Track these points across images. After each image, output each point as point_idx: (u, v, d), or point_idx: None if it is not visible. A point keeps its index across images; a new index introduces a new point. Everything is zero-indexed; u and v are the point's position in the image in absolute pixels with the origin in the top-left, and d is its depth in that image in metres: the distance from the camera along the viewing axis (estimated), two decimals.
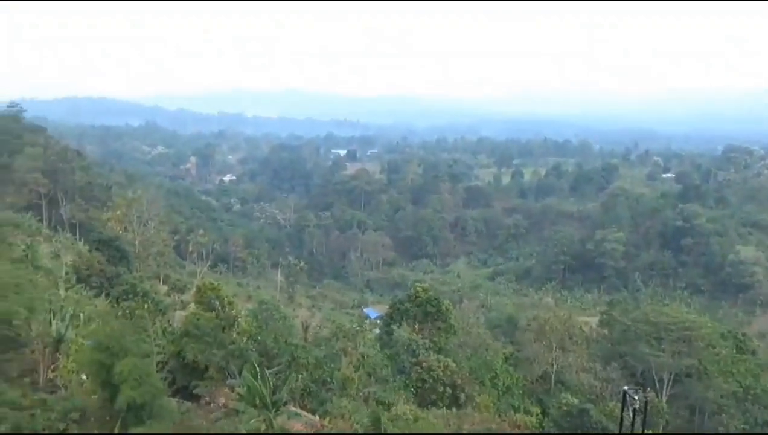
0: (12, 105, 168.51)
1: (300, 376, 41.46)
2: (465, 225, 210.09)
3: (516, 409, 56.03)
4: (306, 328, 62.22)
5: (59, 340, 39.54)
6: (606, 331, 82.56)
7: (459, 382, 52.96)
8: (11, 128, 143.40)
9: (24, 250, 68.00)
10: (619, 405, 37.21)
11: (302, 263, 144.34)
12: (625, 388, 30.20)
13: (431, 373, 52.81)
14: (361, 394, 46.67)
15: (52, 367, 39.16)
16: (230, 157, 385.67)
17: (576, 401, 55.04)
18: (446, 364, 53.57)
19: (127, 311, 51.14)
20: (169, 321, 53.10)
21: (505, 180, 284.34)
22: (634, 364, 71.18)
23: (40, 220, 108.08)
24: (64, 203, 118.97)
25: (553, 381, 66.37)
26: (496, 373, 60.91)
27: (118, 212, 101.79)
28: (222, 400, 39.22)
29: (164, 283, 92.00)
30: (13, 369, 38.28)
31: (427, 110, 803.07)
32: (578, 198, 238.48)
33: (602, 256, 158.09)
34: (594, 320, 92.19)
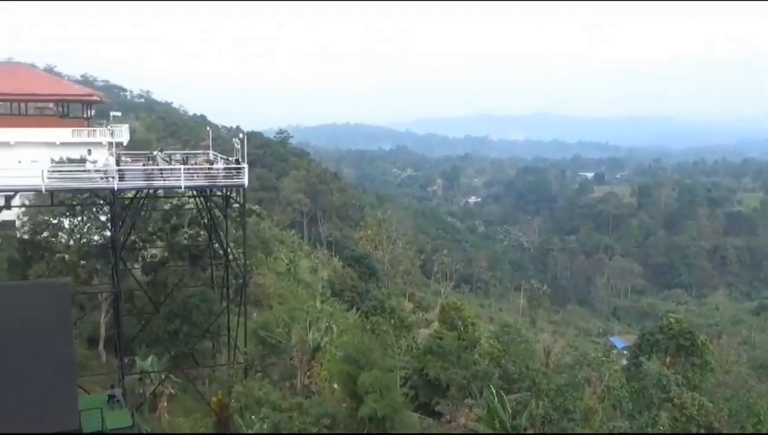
0: (281, 132, 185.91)
1: (540, 402, 40.64)
2: (725, 253, 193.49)
3: None
4: (548, 354, 60.95)
5: (316, 349, 42.42)
6: None
7: (716, 425, 48.51)
8: (280, 152, 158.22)
9: (287, 265, 74.29)
10: None
11: (545, 287, 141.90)
12: None
13: (684, 411, 48.95)
14: (605, 427, 44.61)
15: (308, 373, 42.12)
16: (475, 179, 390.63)
17: None
18: (702, 403, 49.39)
19: (375, 326, 53.67)
20: (413, 338, 54.87)
21: None
22: None
23: (302, 237, 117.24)
24: (323, 222, 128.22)
25: None
26: (759, 418, 54.90)
27: (369, 231, 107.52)
28: (462, 420, 39.60)
29: (410, 300, 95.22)
30: (274, 373, 41.80)
31: (681, 130, 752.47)
32: None
33: None
34: None
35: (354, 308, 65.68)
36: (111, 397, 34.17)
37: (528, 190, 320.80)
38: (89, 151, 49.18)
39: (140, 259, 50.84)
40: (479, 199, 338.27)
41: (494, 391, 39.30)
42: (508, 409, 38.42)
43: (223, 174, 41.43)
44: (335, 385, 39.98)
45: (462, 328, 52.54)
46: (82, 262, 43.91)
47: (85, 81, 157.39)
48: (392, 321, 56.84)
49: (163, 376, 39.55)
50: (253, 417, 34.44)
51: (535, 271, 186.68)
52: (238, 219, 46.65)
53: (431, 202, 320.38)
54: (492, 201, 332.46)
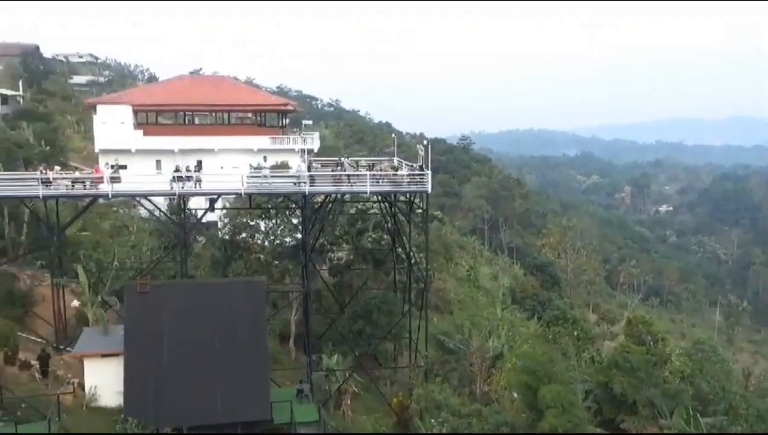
0: (463, 138, 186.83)
1: (739, 428, 37.62)
2: None
3: None
4: (747, 376, 56.45)
5: (496, 357, 42.03)
6: None
7: None
8: (462, 159, 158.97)
9: (468, 271, 74.31)
10: None
11: (745, 303, 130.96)
12: None
13: None
14: None
15: (487, 380, 41.82)
16: (667, 187, 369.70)
17: None
18: None
19: (556, 336, 52.25)
20: (597, 350, 52.82)
21: None
22: None
23: (483, 243, 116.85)
24: (504, 228, 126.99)
25: None
26: None
27: (552, 239, 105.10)
28: None
29: (594, 311, 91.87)
30: (454, 378, 41.89)
31: None
32: None
33: None
34: None
35: (534, 317, 64.44)
36: (300, 391, 35.89)
37: (726, 198, 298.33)
38: (264, 158, 52.35)
39: (328, 261, 53.09)
40: (671, 208, 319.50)
41: (687, 412, 36.91)
42: (703, 431, 35.94)
43: (408, 180, 42.27)
44: (515, 395, 39.38)
45: (651, 343, 49.81)
46: (276, 262, 46.61)
47: (281, 91, 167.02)
48: (575, 332, 55.17)
49: (347, 375, 40.97)
50: (432, 420, 34.73)
51: (733, 285, 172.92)
52: (421, 224, 47.34)
53: (618, 209, 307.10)
54: (685, 210, 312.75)
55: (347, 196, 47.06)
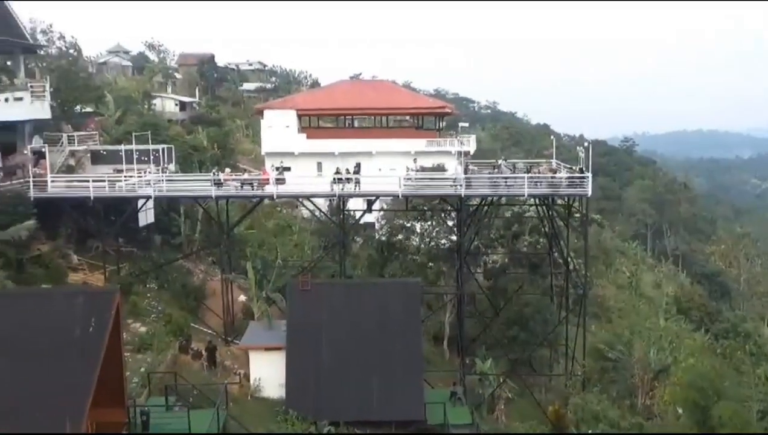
0: (625, 140, 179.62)
1: None
2: None
3: None
4: None
5: (660, 370, 40.03)
6: None
7: None
8: (624, 161, 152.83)
9: (629, 277, 71.36)
10: None
11: None
12: None
13: None
14: None
15: (650, 393, 39.91)
16: None
17: None
18: None
19: (727, 351, 48.99)
20: None
21: None
22: None
23: (645, 249, 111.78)
24: (669, 234, 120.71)
25: None
26: None
27: (723, 246, 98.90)
28: None
29: None
30: (613, 389, 40.29)
31: None
32: None
33: None
34: None
35: (702, 329, 60.72)
36: (453, 394, 35.90)
37: None
38: (414, 160, 52.74)
39: (482, 264, 52.79)
40: None
41: None
42: None
43: (566, 183, 41.19)
44: (679, 410, 37.33)
45: None
46: (430, 263, 46.98)
47: (438, 94, 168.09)
48: (747, 347, 51.47)
49: (501, 380, 40.53)
50: (589, 431, 33.64)
51: None
52: (579, 228, 45.99)
53: None
54: None
55: (503, 199, 46.58)
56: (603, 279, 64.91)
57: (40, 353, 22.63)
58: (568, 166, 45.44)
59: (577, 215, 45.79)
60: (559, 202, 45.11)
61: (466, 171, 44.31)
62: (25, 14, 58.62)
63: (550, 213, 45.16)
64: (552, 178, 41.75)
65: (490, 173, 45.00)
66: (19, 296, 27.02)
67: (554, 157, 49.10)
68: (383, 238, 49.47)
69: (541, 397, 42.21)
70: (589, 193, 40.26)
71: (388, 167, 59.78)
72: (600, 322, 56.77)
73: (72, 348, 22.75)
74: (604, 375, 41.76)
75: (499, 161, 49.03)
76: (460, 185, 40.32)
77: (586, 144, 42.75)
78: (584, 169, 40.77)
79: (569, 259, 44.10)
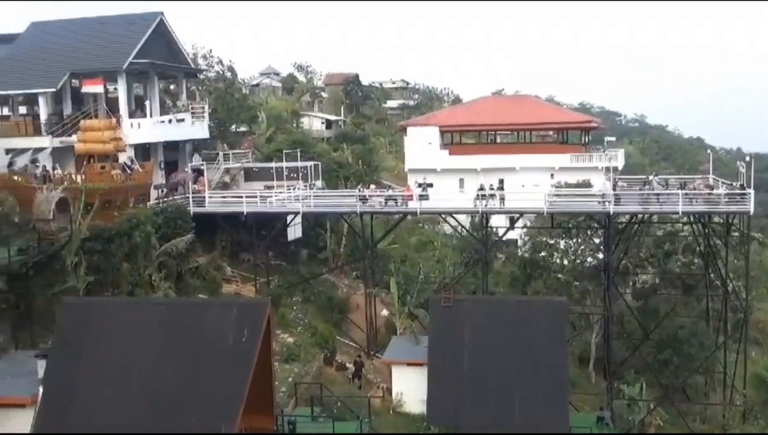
0: None
1: None
2: None
3: None
4: None
5: None
6: None
7: None
8: None
9: None
10: None
11: None
12: None
13: None
14: None
15: None
16: None
17: None
18: None
19: None
20: None
21: None
22: None
23: None
24: None
25: None
26: None
27: None
28: None
29: None
30: None
31: None
32: None
33: None
34: None
35: None
36: (600, 419, 34.53)
37: None
38: (551, 176, 51.14)
39: (631, 284, 50.64)
40: None
41: None
42: None
43: (726, 199, 38.84)
44: None
45: None
46: (576, 282, 45.58)
47: (583, 108, 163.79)
48: None
49: (652, 406, 38.57)
50: None
51: None
52: (739, 247, 43.16)
53: None
54: None
55: (654, 216, 44.55)
56: (765, 302, 60.34)
57: (197, 359, 23.89)
58: (726, 181, 42.84)
59: (736, 234, 43.03)
60: (717, 220, 42.58)
61: (614, 187, 42.78)
62: (188, 41, 62.63)
63: (706, 231, 42.68)
64: (709, 194, 39.52)
65: (640, 189, 43.22)
66: (180, 305, 28.70)
67: (711, 172, 46.48)
68: (526, 255, 48.61)
69: (696, 426, 39.76)
70: (752, 210, 37.76)
71: (532, 183, 58.91)
72: (762, 349, 52.88)
73: (226, 356, 23.85)
74: (766, 405, 38.87)
75: (650, 177, 46.91)
76: (609, 202, 39.00)
77: (747, 158, 40.16)
78: (745, 184, 38.32)
79: (728, 281, 41.44)
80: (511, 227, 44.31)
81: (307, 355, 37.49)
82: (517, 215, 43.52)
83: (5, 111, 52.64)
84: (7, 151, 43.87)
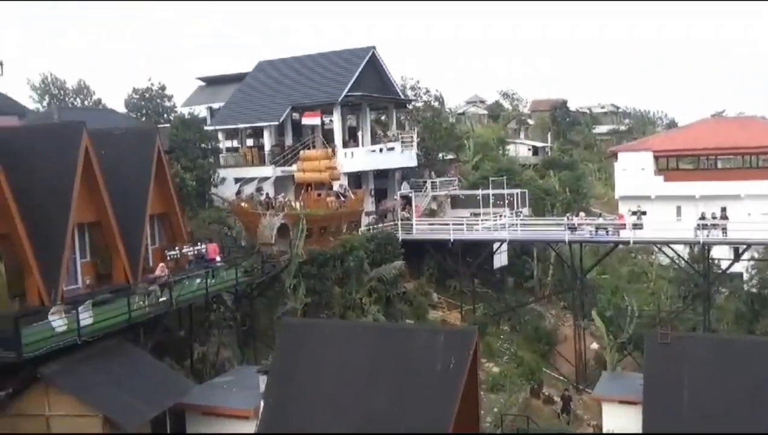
0: None
1: None
2: None
3: None
4: None
5: None
6: None
7: None
8: None
9: None
10: None
11: None
12: None
13: None
14: None
15: None
16: None
17: None
18: None
19: None
20: None
21: None
22: None
23: None
24: None
25: None
26: None
27: None
28: None
29: None
30: None
31: None
32: None
33: None
34: None
35: None
36: None
37: None
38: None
39: None
40: None
41: None
42: None
43: None
44: None
45: None
46: None
47: None
48: None
49: None
50: None
51: None
52: None
53: None
54: None
55: None
56: None
57: (405, 384, 24.27)
58: None
59: None
60: None
61: None
62: (398, 74, 64.98)
63: None
64: None
65: None
66: (389, 330, 29.47)
67: None
68: (753, 290, 44.48)
69: None
70: None
71: (759, 211, 54.12)
72: None
73: (433, 382, 24.02)
74: None
75: None
76: None
77: None
78: None
79: None
80: (737, 259, 40.87)
81: (512, 386, 36.89)
82: (743, 247, 40.08)
83: (234, 143, 57.62)
84: (236, 180, 47.93)
